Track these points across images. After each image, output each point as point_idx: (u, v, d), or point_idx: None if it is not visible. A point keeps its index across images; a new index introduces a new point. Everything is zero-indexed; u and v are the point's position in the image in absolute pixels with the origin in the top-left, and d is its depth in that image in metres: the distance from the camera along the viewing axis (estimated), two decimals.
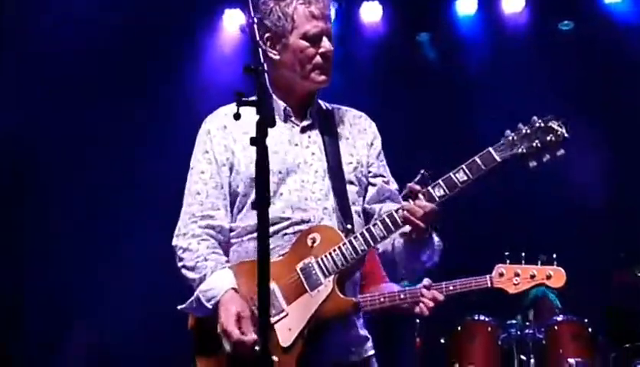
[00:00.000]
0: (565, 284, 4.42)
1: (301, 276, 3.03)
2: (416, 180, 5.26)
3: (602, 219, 7.13)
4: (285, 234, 3.07)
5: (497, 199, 6.93)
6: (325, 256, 3.03)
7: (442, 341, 5.87)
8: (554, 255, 5.33)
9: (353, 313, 3.13)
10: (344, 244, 3.04)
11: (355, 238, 3.05)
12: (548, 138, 3.00)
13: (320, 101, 3.27)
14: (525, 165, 3.02)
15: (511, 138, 3.02)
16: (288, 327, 3.00)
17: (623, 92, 7.36)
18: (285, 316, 3.01)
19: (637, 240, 6.36)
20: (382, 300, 4.36)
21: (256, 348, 2.88)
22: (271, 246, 2.98)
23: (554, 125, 3.02)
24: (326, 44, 3.12)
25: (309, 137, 3.19)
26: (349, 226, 3.09)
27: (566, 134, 3.00)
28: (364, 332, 3.22)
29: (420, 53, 7.90)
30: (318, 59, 3.11)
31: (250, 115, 2.60)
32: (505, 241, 6.73)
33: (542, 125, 3.03)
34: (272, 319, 2.99)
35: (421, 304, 4.31)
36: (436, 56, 7.89)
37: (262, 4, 3.16)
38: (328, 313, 3.01)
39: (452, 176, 3.03)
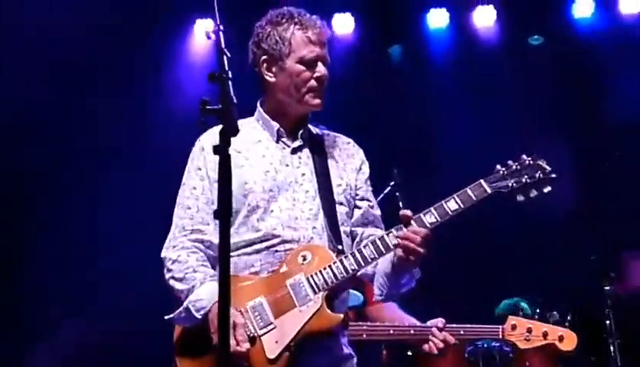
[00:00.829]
0: (576, 347, 4.43)
1: (290, 291, 3.09)
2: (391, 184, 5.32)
3: (575, 231, 7.20)
4: (276, 251, 3.14)
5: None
6: (316, 273, 3.09)
7: (409, 353, 5.86)
8: (568, 317, 5.39)
9: (341, 328, 3.19)
10: (335, 263, 3.11)
11: (346, 257, 3.12)
12: (536, 175, 3.19)
13: (310, 126, 3.36)
14: (513, 198, 3.20)
15: (501, 172, 3.19)
16: (275, 340, 3.05)
17: (591, 105, 7.49)
18: (272, 329, 3.07)
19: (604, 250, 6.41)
20: (392, 331, 4.37)
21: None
22: (261, 262, 3.12)
23: (542, 163, 3.21)
24: (321, 69, 3.22)
25: (300, 158, 3.27)
26: (340, 247, 3.17)
27: (551, 174, 3.20)
28: (348, 350, 3.27)
29: (392, 66, 7.92)
30: (313, 83, 3.21)
31: (243, 134, 2.74)
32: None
33: (531, 162, 3.21)
34: (260, 332, 3.06)
35: (430, 343, 4.32)
36: (408, 69, 7.92)
37: (259, 27, 3.27)
38: (316, 328, 3.06)
39: (444, 204, 3.14)
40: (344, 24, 7.73)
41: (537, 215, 7.05)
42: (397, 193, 5.42)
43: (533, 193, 3.20)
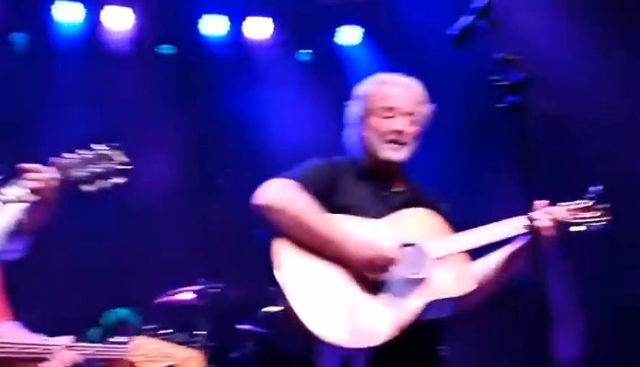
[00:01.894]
0: None
1: None
2: None
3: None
4: None
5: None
6: None
7: None
8: (206, 332, 5.33)
9: None
10: None
11: None
12: (105, 165, 3.09)
13: None
14: (79, 188, 3.08)
15: (68, 161, 3.06)
16: None
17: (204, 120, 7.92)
18: None
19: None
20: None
21: None
22: None
23: (111, 153, 3.11)
24: None
25: None
26: None
27: (125, 165, 3.10)
28: None
29: (15, 54, 7.54)
30: None
31: None
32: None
33: (100, 152, 3.10)
34: None
35: (51, 363, 3.93)
36: (33, 60, 7.57)
37: None
38: None
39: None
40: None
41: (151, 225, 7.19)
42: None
43: (102, 184, 3.09)
